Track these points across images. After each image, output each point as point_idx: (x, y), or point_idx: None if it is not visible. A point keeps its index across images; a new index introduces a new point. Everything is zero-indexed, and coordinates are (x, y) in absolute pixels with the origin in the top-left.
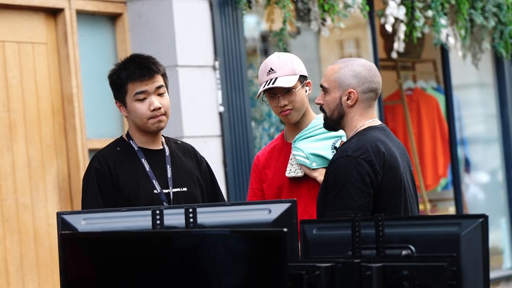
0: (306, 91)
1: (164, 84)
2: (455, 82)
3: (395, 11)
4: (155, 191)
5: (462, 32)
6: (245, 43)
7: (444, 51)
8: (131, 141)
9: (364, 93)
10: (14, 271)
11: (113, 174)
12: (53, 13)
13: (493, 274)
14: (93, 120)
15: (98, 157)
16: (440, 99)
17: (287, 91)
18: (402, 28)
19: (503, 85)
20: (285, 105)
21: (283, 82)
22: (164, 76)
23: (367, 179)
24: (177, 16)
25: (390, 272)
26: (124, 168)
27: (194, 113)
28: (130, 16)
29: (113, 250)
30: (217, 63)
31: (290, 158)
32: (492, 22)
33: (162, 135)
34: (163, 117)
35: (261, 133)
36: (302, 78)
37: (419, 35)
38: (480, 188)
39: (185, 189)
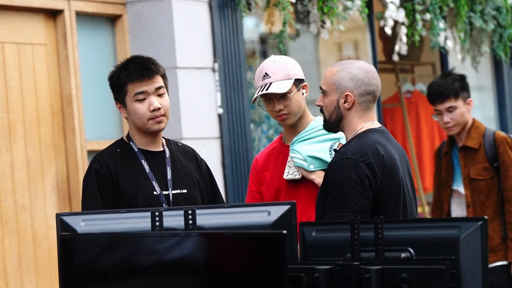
0: (303, 94)
1: (164, 85)
2: None
3: (394, 13)
4: (154, 192)
5: (462, 35)
6: (244, 45)
7: (443, 54)
8: (131, 143)
9: (361, 96)
10: (13, 272)
11: (113, 176)
12: (53, 14)
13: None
14: (92, 121)
15: (98, 159)
16: None
17: (282, 96)
18: (404, 30)
19: (502, 88)
20: (280, 110)
21: (277, 87)
22: (164, 77)
23: (366, 182)
24: (177, 18)
25: (389, 274)
26: (124, 169)
27: (193, 114)
28: (130, 18)
29: (112, 252)
30: (216, 65)
31: (288, 161)
32: (491, 25)
33: (163, 137)
34: (163, 118)
35: (259, 135)
36: (298, 82)
37: (418, 38)
38: None
39: (184, 191)
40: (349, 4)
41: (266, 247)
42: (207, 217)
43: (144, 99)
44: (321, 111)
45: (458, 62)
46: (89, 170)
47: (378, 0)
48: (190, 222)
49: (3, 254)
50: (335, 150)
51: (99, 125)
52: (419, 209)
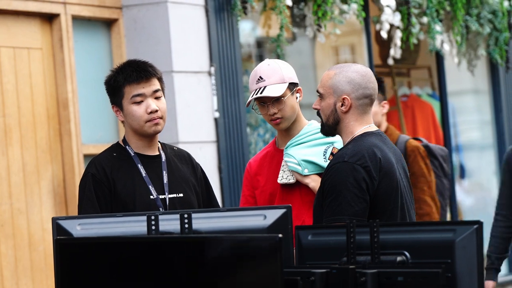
0: (296, 98)
1: (160, 88)
2: (450, 88)
3: (390, 17)
4: (151, 196)
5: (458, 38)
6: (241, 49)
7: (439, 57)
8: (127, 147)
9: (358, 99)
10: (9, 276)
11: (109, 180)
12: (49, 18)
13: None
14: (89, 125)
15: (95, 163)
16: (435, 105)
17: (276, 100)
18: (398, 34)
19: (498, 91)
20: (275, 113)
21: (272, 91)
22: (160, 80)
23: (363, 185)
24: (173, 22)
25: (384, 278)
26: (121, 173)
27: (190, 118)
28: (126, 22)
29: (108, 256)
30: (212, 69)
31: (282, 165)
32: (487, 29)
33: (159, 141)
34: (160, 120)
35: (256, 139)
36: (292, 85)
37: (415, 41)
38: (469, 194)
39: (181, 195)
40: (345, 8)
41: (262, 250)
42: (203, 221)
43: (142, 101)
44: (318, 114)
45: (454, 66)
46: (86, 174)
47: (375, 4)
48: (186, 226)
49: None
50: (332, 154)
51: (95, 129)
52: None
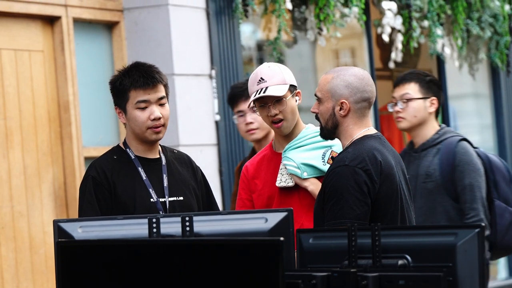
0: (296, 101)
1: (165, 95)
2: (451, 92)
3: (392, 21)
4: (151, 199)
5: (459, 42)
6: (242, 52)
7: (440, 61)
8: (128, 150)
9: (356, 103)
10: (10, 279)
11: (110, 183)
12: (50, 21)
13: (488, 285)
14: (90, 128)
15: (95, 166)
16: None
17: (278, 100)
18: (400, 38)
19: (499, 95)
20: (276, 114)
21: (274, 91)
22: (166, 86)
23: (364, 188)
24: (174, 25)
25: (386, 281)
26: (121, 176)
27: (190, 121)
28: (127, 25)
29: (109, 258)
30: (213, 72)
31: (280, 168)
32: (488, 33)
33: (159, 144)
34: (162, 128)
35: None
36: (292, 88)
37: (416, 45)
38: None
39: (181, 198)
40: (346, 11)
41: (263, 254)
42: (204, 224)
43: (146, 107)
44: (317, 118)
45: (455, 69)
46: (86, 177)
47: (376, 7)
48: (188, 229)
49: (0, 261)
50: (331, 157)
51: (96, 131)
52: None
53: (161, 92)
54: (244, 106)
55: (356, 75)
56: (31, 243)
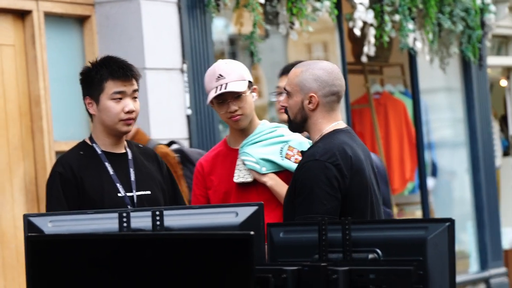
0: (253, 96)
1: (138, 89)
2: (423, 86)
3: (363, 15)
4: (119, 194)
5: (430, 36)
6: (213, 46)
7: (411, 55)
8: (94, 145)
9: (325, 96)
10: None
11: (77, 178)
12: (21, 15)
13: (459, 278)
14: (61, 122)
15: (62, 161)
16: (408, 103)
17: (237, 97)
18: (372, 32)
19: (471, 89)
20: (236, 111)
21: (235, 87)
22: (137, 81)
23: (335, 183)
24: (145, 19)
25: (356, 275)
26: (88, 172)
27: (162, 115)
28: (98, 19)
29: (80, 253)
30: (185, 66)
31: (237, 164)
32: (460, 27)
33: (125, 139)
34: (133, 122)
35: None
36: (250, 84)
37: (387, 39)
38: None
39: (148, 192)
40: (318, 5)
41: (233, 248)
42: (174, 218)
43: (120, 99)
44: (286, 111)
45: (426, 63)
46: (53, 173)
47: (347, 1)
48: (158, 223)
49: None
50: (302, 152)
51: (68, 126)
52: None
53: (135, 85)
54: None
55: (325, 69)
56: (2, 237)
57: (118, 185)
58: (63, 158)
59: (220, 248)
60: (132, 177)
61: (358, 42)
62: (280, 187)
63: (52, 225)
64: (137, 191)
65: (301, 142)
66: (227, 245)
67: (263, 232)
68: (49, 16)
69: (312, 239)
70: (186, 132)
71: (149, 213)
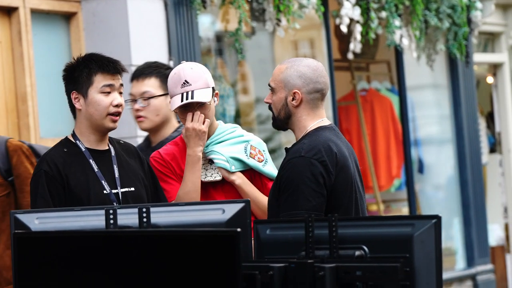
0: (214, 101)
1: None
2: (409, 83)
3: (350, 11)
4: (104, 191)
5: (417, 33)
6: (200, 43)
7: (398, 52)
8: (77, 142)
9: (309, 93)
10: None
11: (63, 176)
12: (7, 11)
13: (445, 275)
14: (47, 119)
15: (46, 159)
16: (394, 100)
17: (202, 105)
18: (358, 28)
19: (457, 86)
20: None
21: (201, 96)
22: (122, 77)
23: (320, 180)
24: (132, 16)
25: (343, 272)
26: (73, 169)
27: None
28: (85, 15)
29: (66, 250)
30: (171, 63)
31: (202, 163)
32: (446, 24)
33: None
34: (118, 118)
35: None
36: (213, 90)
37: (374, 36)
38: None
39: (132, 188)
40: (304, 2)
41: (220, 245)
42: (161, 215)
43: (109, 93)
44: (270, 108)
45: (413, 60)
46: (38, 171)
47: None
48: (145, 220)
49: None
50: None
51: (54, 122)
52: (374, 207)
53: (121, 80)
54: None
55: (309, 66)
56: None
57: (103, 182)
58: (47, 156)
59: (207, 245)
60: (116, 174)
61: (344, 39)
62: (247, 186)
63: (39, 222)
64: (121, 188)
65: (259, 142)
66: (213, 242)
67: (250, 229)
68: (36, 13)
69: (299, 236)
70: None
71: (136, 210)
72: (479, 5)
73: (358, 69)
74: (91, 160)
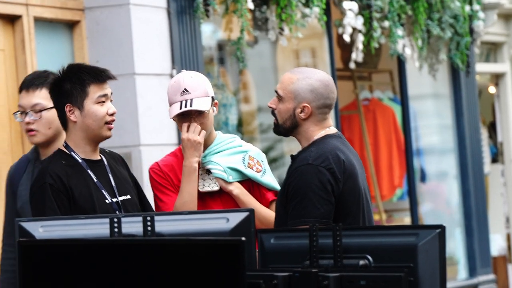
0: (213, 111)
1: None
2: (411, 92)
3: (352, 21)
4: (106, 201)
5: (419, 42)
6: (203, 51)
7: (400, 61)
8: (72, 153)
9: (318, 108)
10: None
11: (67, 188)
12: (11, 20)
13: (448, 285)
14: None
15: (49, 172)
16: (397, 109)
17: (201, 113)
18: (361, 38)
19: (459, 96)
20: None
21: (201, 105)
22: None
23: (328, 187)
24: (135, 24)
25: (347, 282)
26: (75, 181)
27: (151, 121)
28: (88, 24)
29: (71, 258)
30: (174, 72)
31: (200, 174)
32: (448, 33)
33: None
34: (112, 125)
35: None
36: (212, 99)
37: (376, 45)
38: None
39: (128, 196)
40: (307, 11)
41: (224, 254)
42: (165, 224)
43: (104, 102)
44: (273, 113)
45: (415, 70)
46: (42, 184)
47: (337, 7)
48: (149, 228)
49: None
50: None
51: None
52: (377, 217)
53: (110, 88)
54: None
55: (321, 81)
56: None
57: (103, 191)
58: (49, 168)
59: (211, 253)
60: (113, 183)
61: (347, 48)
62: (245, 196)
63: (43, 230)
64: (119, 196)
65: (258, 152)
66: (218, 251)
67: (254, 238)
68: (39, 21)
69: (303, 245)
70: (176, 137)
71: (140, 218)
72: (481, 15)
73: (360, 79)
74: (89, 171)
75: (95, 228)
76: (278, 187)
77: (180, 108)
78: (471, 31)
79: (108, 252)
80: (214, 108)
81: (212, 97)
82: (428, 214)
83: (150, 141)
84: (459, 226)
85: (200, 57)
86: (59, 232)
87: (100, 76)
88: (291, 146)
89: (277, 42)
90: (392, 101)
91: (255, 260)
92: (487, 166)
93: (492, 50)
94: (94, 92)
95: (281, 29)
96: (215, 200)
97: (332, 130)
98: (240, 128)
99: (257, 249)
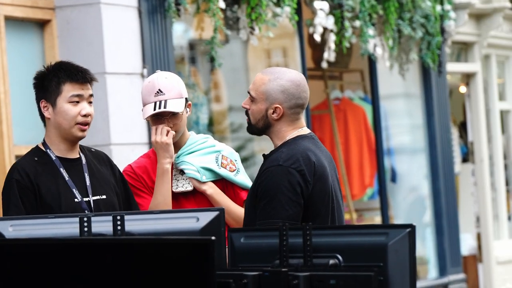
0: (187, 112)
1: (93, 94)
2: (382, 92)
3: (323, 20)
4: (75, 200)
5: (390, 42)
6: (173, 51)
7: (371, 61)
8: (48, 150)
9: (290, 108)
10: None
11: (34, 185)
12: None
13: (418, 284)
14: (21, 126)
15: (18, 168)
16: (367, 109)
17: (174, 114)
18: (332, 37)
19: (430, 95)
20: (171, 127)
21: (174, 106)
22: (92, 86)
23: (297, 189)
24: (106, 23)
25: (317, 281)
26: (44, 178)
27: (122, 120)
28: (59, 23)
29: (41, 257)
30: (145, 71)
31: (173, 174)
32: (419, 33)
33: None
34: (87, 127)
35: None
36: (185, 101)
37: (347, 45)
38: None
39: (104, 196)
40: (278, 10)
41: (194, 253)
42: (135, 223)
43: (78, 102)
44: (246, 113)
45: (386, 69)
46: (9, 180)
47: (308, 7)
48: (119, 228)
49: None
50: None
51: (28, 129)
52: (347, 216)
53: (91, 90)
54: None
55: (293, 81)
56: None
57: (74, 190)
58: (18, 165)
59: (181, 253)
60: (88, 182)
61: (318, 48)
62: (219, 195)
63: (13, 229)
64: (93, 195)
65: (232, 152)
66: (188, 250)
67: (224, 237)
68: (10, 20)
69: (273, 245)
70: (146, 136)
71: (110, 218)
72: (452, 14)
73: (331, 78)
74: (61, 169)
75: (65, 227)
76: None
77: (154, 109)
78: (442, 31)
79: (77, 252)
80: (188, 109)
81: (186, 99)
82: (399, 214)
83: (120, 140)
84: (430, 225)
85: (171, 56)
86: (29, 231)
87: (75, 75)
88: (262, 146)
89: (248, 41)
90: (363, 101)
91: (225, 259)
92: (458, 166)
93: (463, 49)
94: (67, 90)
95: (252, 28)
96: (189, 200)
97: (305, 130)
98: (211, 127)
99: (227, 248)
